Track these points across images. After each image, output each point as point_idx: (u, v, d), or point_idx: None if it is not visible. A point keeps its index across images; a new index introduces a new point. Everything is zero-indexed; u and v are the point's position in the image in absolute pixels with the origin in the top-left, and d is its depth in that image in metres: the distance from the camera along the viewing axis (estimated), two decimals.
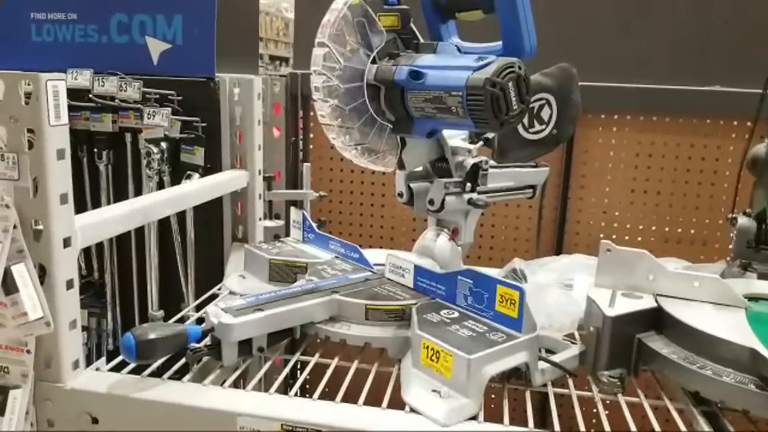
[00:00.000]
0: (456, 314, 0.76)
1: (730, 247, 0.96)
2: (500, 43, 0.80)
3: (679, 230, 1.37)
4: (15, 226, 0.68)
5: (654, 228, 1.38)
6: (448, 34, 0.87)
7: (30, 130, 0.67)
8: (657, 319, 0.75)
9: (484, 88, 0.71)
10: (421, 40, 0.84)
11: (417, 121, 0.80)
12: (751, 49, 1.30)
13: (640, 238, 1.38)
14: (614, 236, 1.39)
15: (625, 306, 0.74)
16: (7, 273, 0.67)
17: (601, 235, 1.39)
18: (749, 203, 0.96)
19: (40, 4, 1.33)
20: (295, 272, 0.99)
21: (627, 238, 1.38)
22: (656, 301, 0.76)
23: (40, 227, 0.69)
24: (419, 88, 0.76)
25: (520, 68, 0.73)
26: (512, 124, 0.76)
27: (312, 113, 1.48)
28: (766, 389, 0.62)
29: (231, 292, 1.02)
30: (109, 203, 1.38)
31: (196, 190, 1.13)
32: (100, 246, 1.42)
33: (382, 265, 0.91)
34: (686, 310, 0.74)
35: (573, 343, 0.79)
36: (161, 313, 1.31)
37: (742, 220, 0.95)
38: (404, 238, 1.51)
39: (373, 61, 0.79)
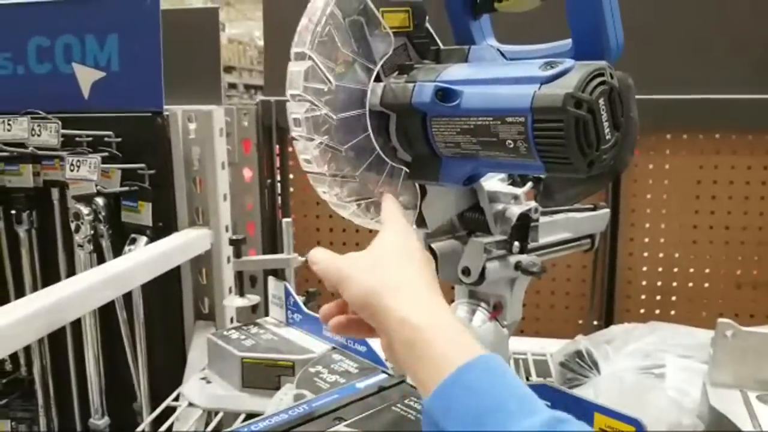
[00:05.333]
0: None
1: None
2: (567, 41, 0.55)
3: (755, 272, 1.14)
4: None
5: (723, 271, 1.15)
6: (482, 35, 0.62)
7: None
8: None
9: (565, 110, 0.46)
10: (441, 46, 0.62)
11: (447, 162, 0.58)
12: None
13: (707, 284, 1.15)
14: (674, 284, 1.16)
15: None
16: None
17: (659, 283, 1.15)
18: None
19: None
20: (277, 375, 0.75)
21: (691, 284, 1.14)
22: None
23: None
24: (452, 114, 0.53)
25: (612, 77, 0.48)
26: (603, 164, 0.50)
27: (291, 147, 1.20)
28: None
29: (191, 404, 0.77)
30: (33, 278, 1.10)
31: (140, 263, 0.88)
32: None
33: None
34: None
35: None
36: (105, 421, 1.01)
37: None
38: None
39: (378, 79, 0.58)
